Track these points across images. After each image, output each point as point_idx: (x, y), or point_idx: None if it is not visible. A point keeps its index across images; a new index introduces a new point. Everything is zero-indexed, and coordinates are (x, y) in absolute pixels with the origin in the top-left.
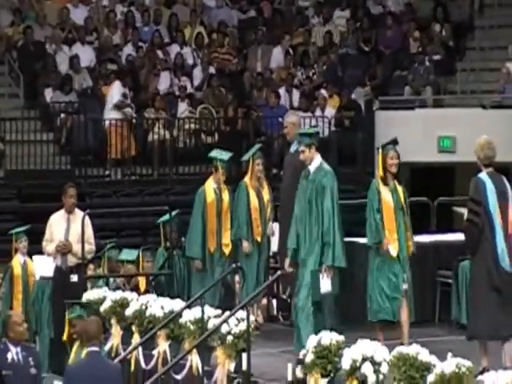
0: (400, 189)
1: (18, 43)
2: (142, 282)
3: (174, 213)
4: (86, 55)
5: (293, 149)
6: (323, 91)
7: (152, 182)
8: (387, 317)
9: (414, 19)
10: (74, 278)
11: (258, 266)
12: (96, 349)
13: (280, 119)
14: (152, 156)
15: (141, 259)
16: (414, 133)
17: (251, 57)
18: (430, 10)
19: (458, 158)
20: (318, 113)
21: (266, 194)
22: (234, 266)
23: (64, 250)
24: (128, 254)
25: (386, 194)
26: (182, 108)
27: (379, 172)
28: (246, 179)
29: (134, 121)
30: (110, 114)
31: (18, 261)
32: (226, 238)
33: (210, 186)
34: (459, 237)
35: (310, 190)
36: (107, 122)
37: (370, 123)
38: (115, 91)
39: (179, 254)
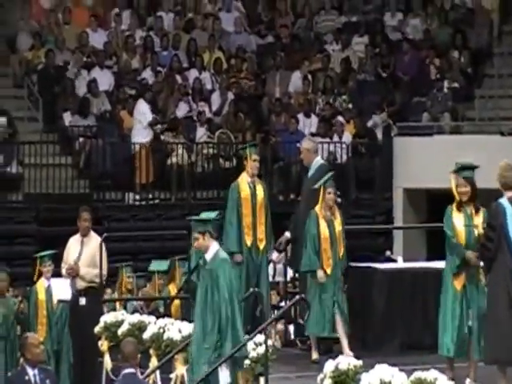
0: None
1: (37, 67)
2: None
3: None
4: (105, 79)
5: (310, 174)
6: (340, 117)
7: (170, 207)
8: None
9: (433, 46)
10: (82, 301)
11: (327, 299)
12: (132, 370)
13: (298, 144)
14: (170, 180)
15: (177, 269)
16: (432, 159)
17: (269, 82)
18: (449, 36)
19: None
20: (335, 138)
21: (339, 225)
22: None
23: (72, 273)
24: (159, 265)
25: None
26: (201, 133)
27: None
28: (317, 208)
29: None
30: (142, 135)
31: (42, 285)
32: (261, 233)
33: (243, 180)
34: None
35: (206, 280)
36: (137, 145)
37: (388, 149)
38: (143, 109)
39: None
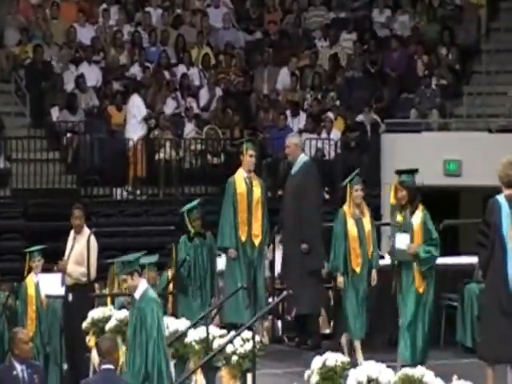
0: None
1: (25, 62)
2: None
3: (197, 201)
4: (93, 75)
5: (293, 170)
6: (330, 113)
7: (158, 202)
8: None
9: (421, 42)
10: (69, 297)
11: (358, 298)
12: (110, 366)
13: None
14: (158, 176)
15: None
16: (420, 156)
17: (257, 78)
18: (437, 33)
19: (463, 182)
20: (323, 135)
21: (368, 223)
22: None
23: (60, 268)
24: (148, 258)
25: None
26: (189, 129)
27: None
28: (345, 207)
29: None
30: (136, 130)
31: (31, 280)
32: (257, 229)
33: (240, 176)
34: (465, 260)
35: (135, 318)
36: (132, 140)
37: (376, 146)
38: (137, 104)
39: (202, 243)
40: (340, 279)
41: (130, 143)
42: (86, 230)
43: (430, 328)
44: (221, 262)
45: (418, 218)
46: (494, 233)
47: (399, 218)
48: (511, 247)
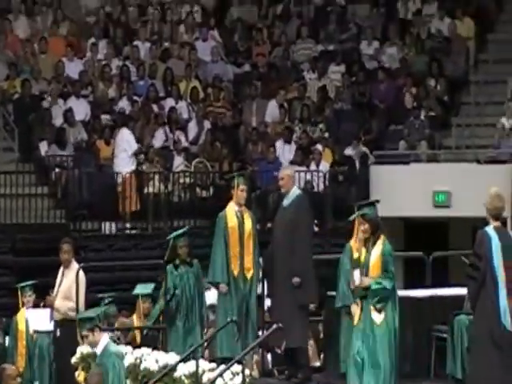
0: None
1: (13, 97)
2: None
3: (185, 229)
4: (81, 109)
5: (286, 203)
6: (318, 146)
7: (147, 236)
8: None
9: (409, 74)
10: (57, 332)
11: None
12: None
13: (275, 173)
14: (147, 210)
15: None
16: (409, 187)
17: (246, 111)
18: (425, 65)
19: (452, 213)
20: (312, 167)
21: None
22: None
23: (48, 304)
24: (143, 288)
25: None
26: (178, 162)
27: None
28: (352, 241)
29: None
30: (126, 164)
31: (22, 315)
32: (249, 262)
33: (231, 209)
34: (454, 291)
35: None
36: (122, 174)
37: (365, 177)
38: (127, 138)
39: (188, 271)
40: (354, 308)
41: (120, 178)
42: (75, 265)
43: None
44: (210, 296)
45: (378, 249)
46: (485, 265)
47: (355, 255)
48: (503, 280)
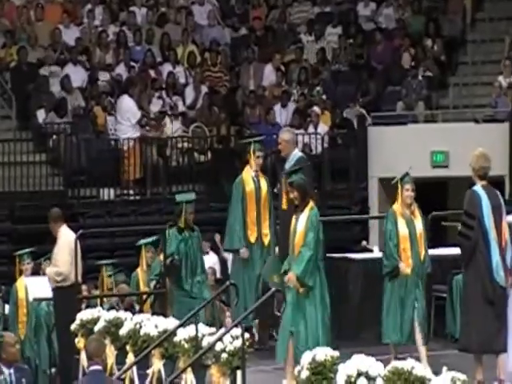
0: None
1: (10, 65)
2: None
3: (193, 195)
4: (78, 75)
5: (287, 166)
6: (316, 108)
7: (145, 202)
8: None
9: (406, 35)
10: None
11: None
12: (98, 367)
13: (274, 136)
14: (145, 175)
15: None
16: (407, 148)
17: (243, 75)
18: (422, 25)
19: (451, 173)
20: (310, 129)
21: (420, 224)
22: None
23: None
24: (146, 239)
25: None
26: (175, 127)
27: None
28: (395, 206)
29: None
30: (129, 131)
31: (21, 283)
32: (266, 228)
33: (248, 174)
34: (453, 251)
35: None
36: (128, 141)
37: (363, 139)
38: (130, 105)
39: (192, 235)
40: (403, 266)
41: (122, 144)
42: (62, 232)
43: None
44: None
45: (305, 215)
46: (477, 224)
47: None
48: (494, 237)
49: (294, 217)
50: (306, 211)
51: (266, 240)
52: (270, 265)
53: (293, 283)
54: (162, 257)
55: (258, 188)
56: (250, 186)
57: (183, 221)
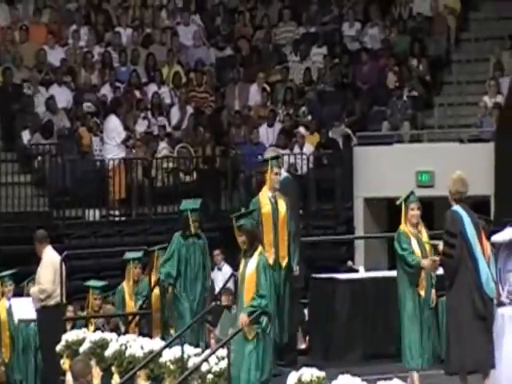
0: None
1: None
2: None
3: (199, 203)
4: (63, 96)
5: None
6: (301, 128)
7: (131, 222)
8: None
9: (391, 55)
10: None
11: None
12: None
13: (259, 156)
14: (130, 196)
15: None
16: (393, 168)
17: (229, 95)
18: (407, 44)
19: (436, 193)
20: (296, 150)
21: (426, 240)
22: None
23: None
24: (134, 254)
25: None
26: (161, 147)
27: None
28: (402, 226)
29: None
30: (115, 151)
31: (3, 305)
32: (283, 250)
33: (264, 195)
34: (440, 271)
35: None
36: (113, 162)
37: (349, 159)
38: (116, 124)
39: (196, 242)
40: (425, 262)
41: (107, 165)
42: (46, 252)
43: None
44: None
45: (254, 261)
46: (461, 241)
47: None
48: (479, 251)
49: (242, 261)
50: (255, 256)
51: (284, 262)
52: (225, 320)
53: (244, 324)
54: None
55: (275, 209)
56: (266, 208)
57: (186, 227)
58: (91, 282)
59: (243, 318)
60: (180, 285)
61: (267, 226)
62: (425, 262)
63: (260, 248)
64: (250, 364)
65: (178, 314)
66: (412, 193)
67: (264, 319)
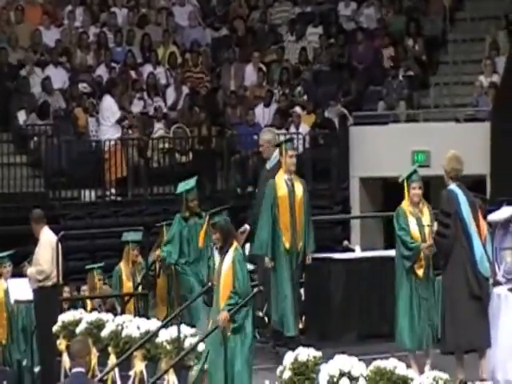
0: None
1: None
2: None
3: (194, 181)
4: (59, 77)
5: (269, 165)
6: (297, 108)
7: (126, 203)
8: None
9: (387, 34)
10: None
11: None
12: (81, 369)
13: (255, 137)
14: (126, 176)
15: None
16: (388, 148)
17: (224, 75)
18: (403, 24)
19: (432, 172)
20: (292, 130)
21: (427, 221)
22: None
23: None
24: (133, 235)
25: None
26: (156, 128)
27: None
28: (403, 204)
29: None
30: (111, 132)
31: (1, 287)
32: (300, 234)
33: (281, 177)
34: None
35: None
36: (109, 142)
37: (344, 139)
38: (111, 104)
39: (198, 222)
40: (423, 246)
41: (104, 145)
42: (44, 232)
43: None
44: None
45: (229, 257)
46: (455, 220)
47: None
48: (474, 230)
49: (218, 258)
50: (231, 252)
51: (299, 246)
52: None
53: (224, 322)
54: (157, 252)
55: (291, 192)
56: (282, 190)
57: (185, 209)
58: (94, 265)
59: (223, 314)
60: (186, 265)
61: (283, 209)
62: (425, 249)
63: (235, 244)
64: (227, 360)
65: (187, 293)
66: (415, 171)
67: (241, 315)
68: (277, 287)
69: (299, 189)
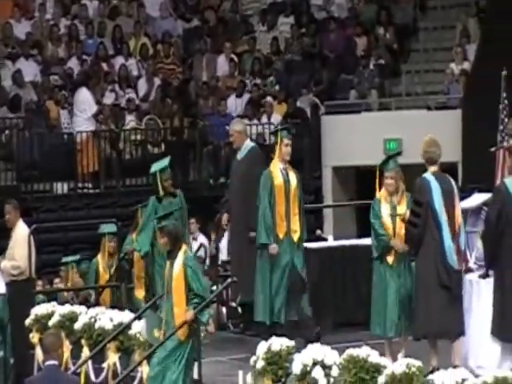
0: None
1: None
2: None
3: (167, 161)
4: (30, 70)
5: (239, 156)
6: (269, 98)
7: (99, 195)
8: None
9: (358, 23)
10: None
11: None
12: (54, 362)
13: (227, 127)
14: (99, 169)
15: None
16: (360, 136)
17: (196, 66)
18: (374, 13)
19: (404, 160)
20: (264, 120)
21: (402, 210)
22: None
23: None
24: (108, 228)
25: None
26: (128, 120)
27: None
28: (380, 193)
29: None
30: (85, 124)
31: None
32: (295, 223)
33: (276, 167)
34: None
35: None
36: (81, 135)
37: (316, 128)
38: (87, 97)
39: (173, 202)
40: (396, 243)
41: (78, 138)
42: (19, 226)
43: None
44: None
45: (179, 260)
46: (426, 210)
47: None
48: (445, 220)
49: (168, 262)
50: (180, 255)
51: (295, 236)
52: (150, 322)
53: (191, 320)
54: (134, 235)
55: (286, 181)
56: (278, 180)
57: (159, 189)
58: (69, 258)
59: (190, 313)
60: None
61: (279, 199)
62: (398, 244)
63: (184, 247)
64: (179, 365)
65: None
66: (390, 158)
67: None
68: (270, 274)
69: (293, 178)
